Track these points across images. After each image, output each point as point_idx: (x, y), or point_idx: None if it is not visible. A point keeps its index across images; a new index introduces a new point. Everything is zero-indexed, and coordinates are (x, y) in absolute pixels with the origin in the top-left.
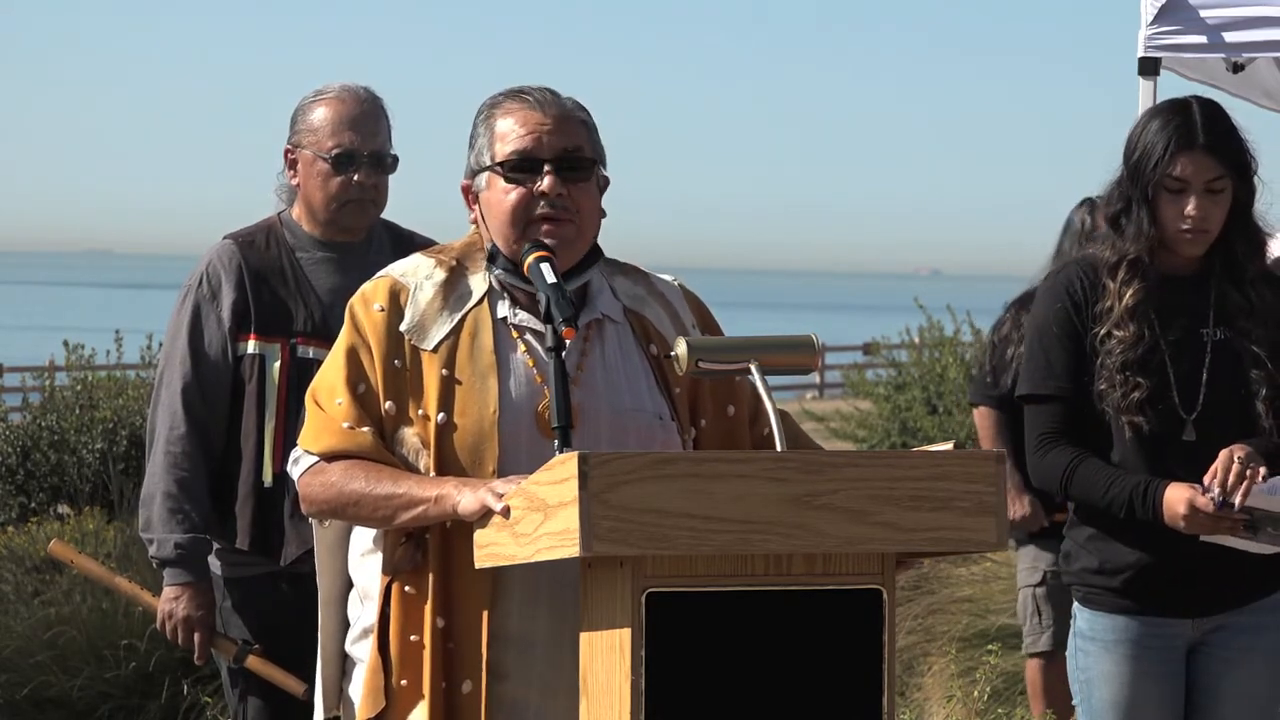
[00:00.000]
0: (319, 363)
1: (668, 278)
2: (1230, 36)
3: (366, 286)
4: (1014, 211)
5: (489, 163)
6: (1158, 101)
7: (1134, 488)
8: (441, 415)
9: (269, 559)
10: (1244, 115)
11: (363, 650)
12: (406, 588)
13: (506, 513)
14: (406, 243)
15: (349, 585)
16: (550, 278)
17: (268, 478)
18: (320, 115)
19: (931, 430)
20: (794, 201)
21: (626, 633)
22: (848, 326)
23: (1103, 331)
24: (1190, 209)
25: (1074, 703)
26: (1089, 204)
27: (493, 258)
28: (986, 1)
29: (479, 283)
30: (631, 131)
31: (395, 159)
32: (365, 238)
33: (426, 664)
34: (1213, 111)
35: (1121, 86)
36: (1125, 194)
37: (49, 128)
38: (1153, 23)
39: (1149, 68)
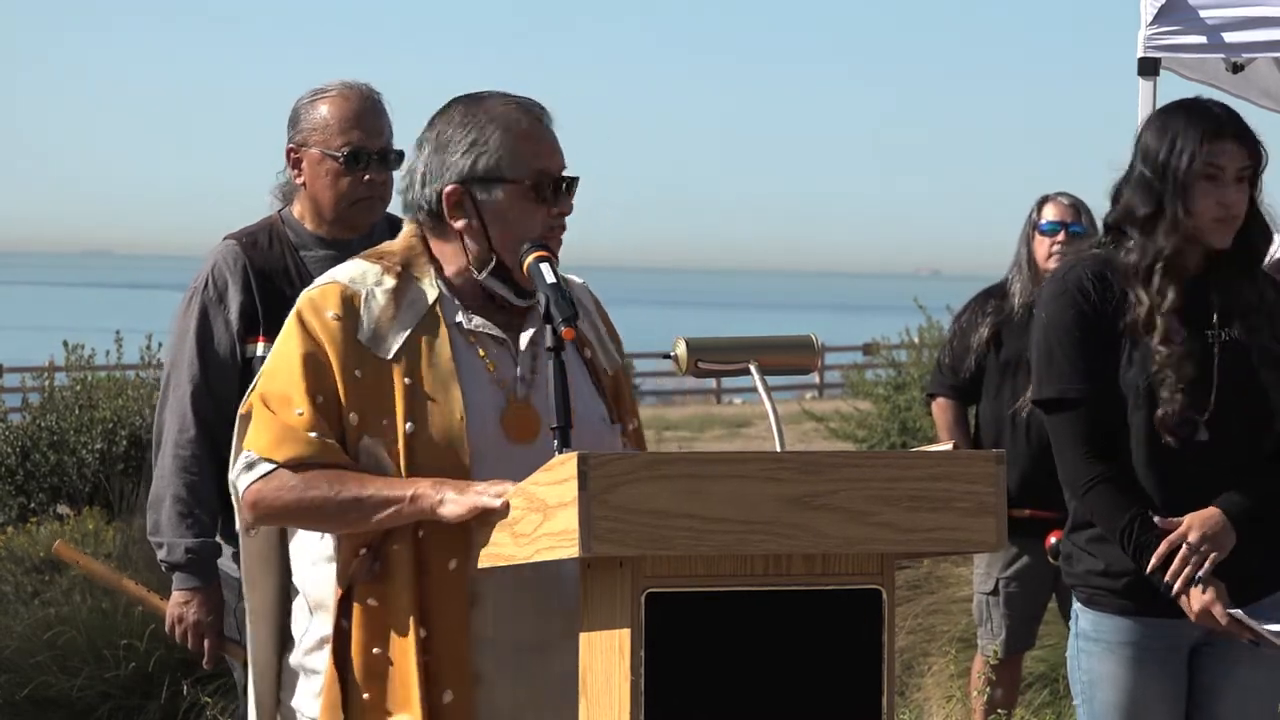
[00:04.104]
0: None
1: (577, 280)
2: (1230, 37)
3: (312, 292)
4: (1014, 212)
5: (510, 177)
6: (1157, 101)
7: (1160, 567)
8: (409, 425)
9: None
10: (1243, 114)
11: (318, 661)
12: (370, 600)
13: (506, 509)
14: None
15: (283, 596)
16: (550, 277)
17: None
18: (326, 113)
19: (931, 430)
20: (794, 201)
21: (626, 633)
22: (847, 326)
23: (1155, 341)
24: (1226, 196)
25: (1076, 703)
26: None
27: (484, 265)
28: (986, 1)
29: (429, 289)
30: (632, 129)
31: (400, 154)
32: (367, 232)
33: (412, 675)
34: (1228, 106)
35: (1121, 87)
36: (1154, 193)
37: (47, 127)
38: (1152, 23)
39: (1149, 68)
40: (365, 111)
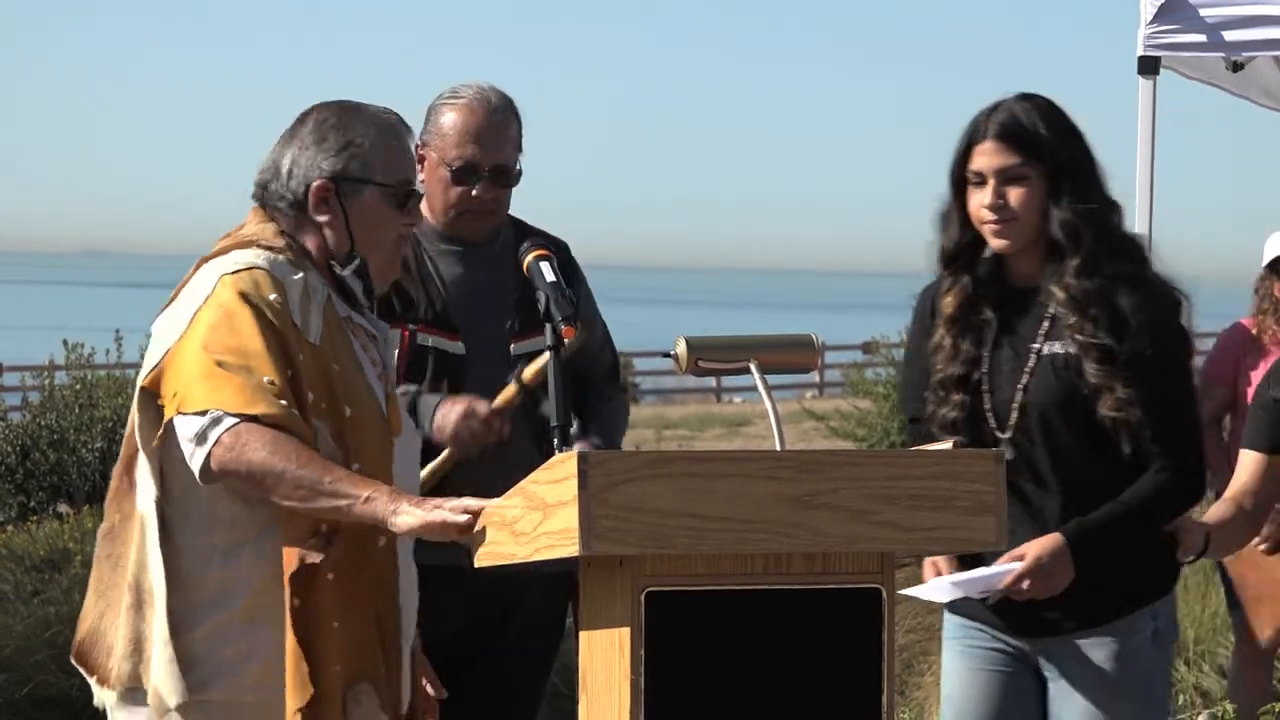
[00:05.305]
0: (438, 350)
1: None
2: (1229, 35)
3: (238, 273)
4: None
5: (379, 180)
6: (1157, 100)
7: None
8: (349, 409)
9: None
10: (1243, 114)
11: (216, 642)
12: (329, 574)
13: (470, 527)
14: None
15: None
16: (550, 276)
17: None
18: (449, 121)
19: None
20: (794, 201)
21: (626, 632)
22: (847, 326)
23: (932, 343)
24: (986, 198)
25: None
26: None
27: (346, 261)
28: (986, 1)
29: (316, 281)
30: (632, 130)
31: (519, 173)
32: (490, 237)
33: (372, 646)
34: (1016, 105)
35: (1121, 86)
36: (949, 194)
37: (47, 127)
38: (1152, 22)
39: (1148, 67)
40: (486, 127)
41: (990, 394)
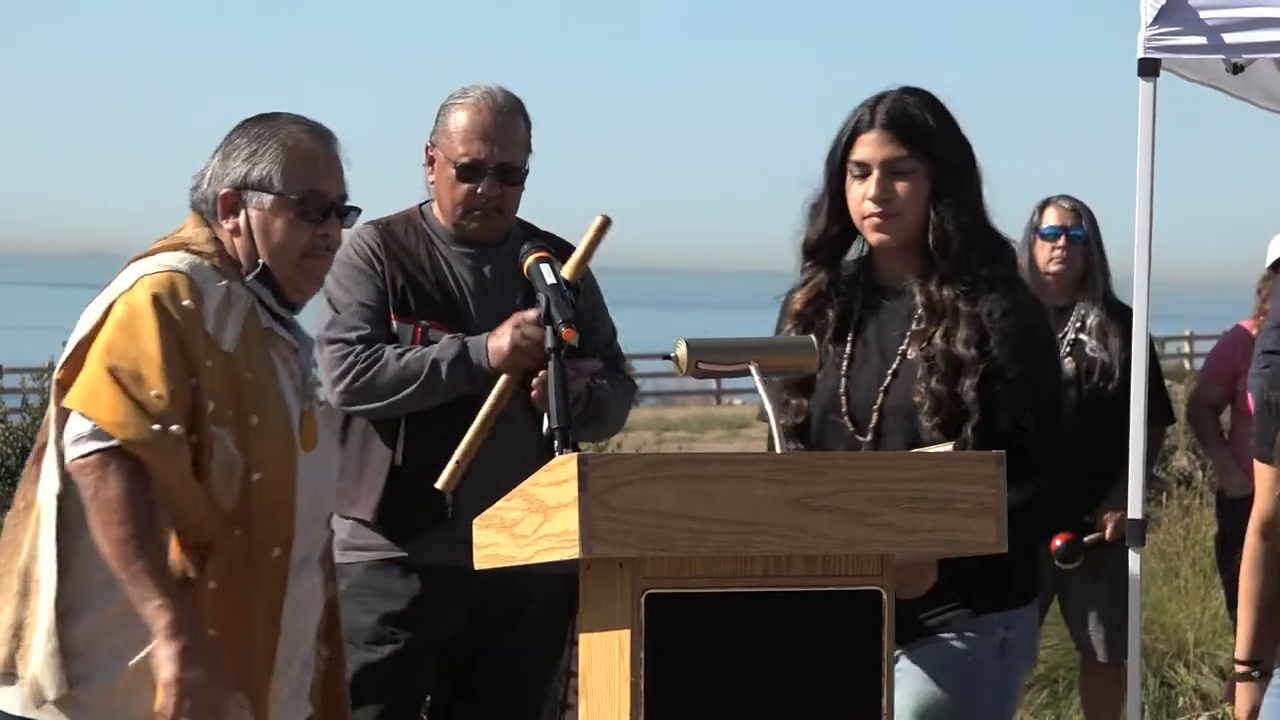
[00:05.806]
0: None
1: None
2: (1230, 37)
3: (157, 277)
4: (1013, 212)
5: (278, 189)
6: (1157, 103)
7: None
8: (255, 418)
9: (391, 543)
10: (1244, 116)
11: (95, 636)
12: (211, 584)
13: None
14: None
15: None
16: (550, 279)
17: (399, 457)
18: (456, 120)
19: None
20: (794, 201)
21: (626, 634)
22: None
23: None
24: (871, 190)
25: None
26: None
27: (252, 270)
28: (986, 2)
29: (240, 291)
30: (632, 129)
31: (525, 172)
32: (502, 239)
33: (249, 655)
34: (904, 96)
35: (1121, 88)
36: (822, 185)
37: (47, 127)
38: (1152, 24)
39: (1149, 69)
40: (492, 126)
41: (848, 396)
